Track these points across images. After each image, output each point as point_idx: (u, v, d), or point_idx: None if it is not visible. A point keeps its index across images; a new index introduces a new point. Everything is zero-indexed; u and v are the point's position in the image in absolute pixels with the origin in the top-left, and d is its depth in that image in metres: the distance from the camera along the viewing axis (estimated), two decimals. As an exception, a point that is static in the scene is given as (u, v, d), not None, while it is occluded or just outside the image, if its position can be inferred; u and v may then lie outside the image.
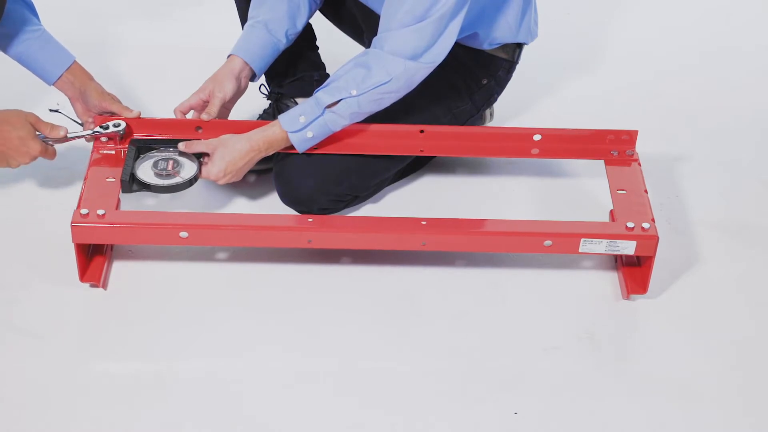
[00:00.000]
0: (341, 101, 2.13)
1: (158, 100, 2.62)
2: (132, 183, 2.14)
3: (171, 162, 2.17)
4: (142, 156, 2.20)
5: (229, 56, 2.28)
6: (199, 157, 2.18)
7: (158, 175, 2.16)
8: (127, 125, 2.21)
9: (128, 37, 2.84)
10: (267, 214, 2.28)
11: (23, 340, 2.02)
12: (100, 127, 2.19)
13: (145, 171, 2.17)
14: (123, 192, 2.13)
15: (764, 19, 3.06)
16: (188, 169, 2.17)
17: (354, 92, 2.12)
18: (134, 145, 2.19)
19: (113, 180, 2.14)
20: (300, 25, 2.32)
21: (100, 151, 2.21)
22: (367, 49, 2.15)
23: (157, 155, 2.19)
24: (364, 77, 2.11)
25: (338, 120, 2.15)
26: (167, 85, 2.69)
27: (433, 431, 1.90)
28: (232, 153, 2.15)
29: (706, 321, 2.13)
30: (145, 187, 2.15)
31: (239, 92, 2.28)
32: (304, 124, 2.15)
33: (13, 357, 2.00)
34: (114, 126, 2.19)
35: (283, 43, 2.29)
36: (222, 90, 2.24)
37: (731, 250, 2.29)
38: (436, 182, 2.43)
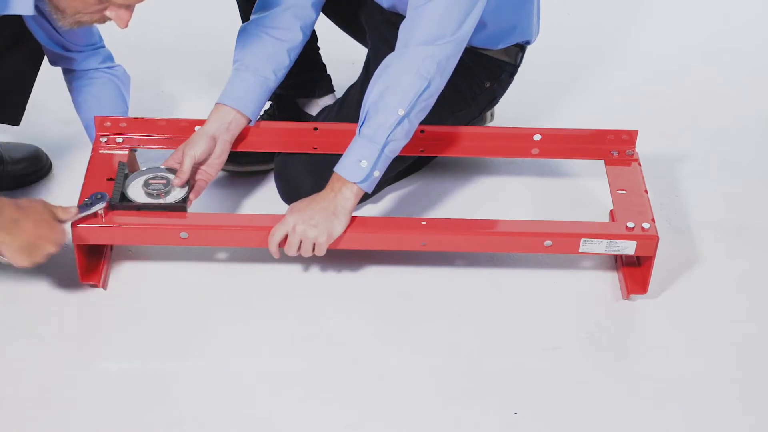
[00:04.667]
0: (396, 128, 2.04)
1: (158, 99, 2.63)
2: (122, 203, 2.10)
3: (162, 181, 2.14)
4: (132, 174, 2.15)
5: (216, 104, 2.19)
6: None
7: (149, 195, 2.12)
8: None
9: (128, 36, 2.84)
10: (267, 214, 2.28)
11: (23, 340, 2.02)
12: (85, 204, 2.05)
13: (135, 190, 2.12)
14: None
15: (764, 19, 3.06)
16: (179, 189, 2.14)
17: (401, 112, 2.03)
18: (123, 170, 2.14)
19: (113, 180, 2.13)
20: (289, 61, 2.23)
21: (100, 152, 2.21)
22: (387, 66, 2.06)
23: (147, 174, 2.15)
24: (402, 93, 2.03)
25: (397, 145, 2.06)
26: (167, 85, 2.69)
27: (433, 431, 1.90)
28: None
29: (706, 321, 2.13)
30: (136, 208, 2.10)
31: (220, 150, 2.17)
32: (369, 167, 2.04)
33: (13, 357, 2.00)
34: (96, 198, 2.07)
35: (272, 80, 2.21)
36: (192, 149, 2.14)
37: (731, 250, 2.29)
38: (436, 182, 2.43)
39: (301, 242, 2.05)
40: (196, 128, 2.20)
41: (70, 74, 2.27)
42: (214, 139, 2.17)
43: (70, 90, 2.29)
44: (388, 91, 2.04)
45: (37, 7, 1.93)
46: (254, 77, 2.19)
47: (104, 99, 2.25)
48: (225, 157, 2.20)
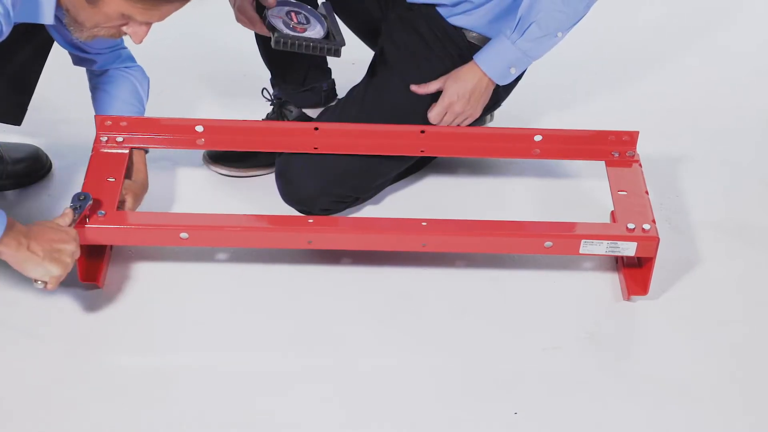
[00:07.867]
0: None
1: (158, 99, 2.62)
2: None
3: (301, 16, 2.14)
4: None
5: None
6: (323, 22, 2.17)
7: (286, 25, 2.13)
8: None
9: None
10: (267, 214, 2.28)
11: (23, 340, 2.02)
12: (74, 207, 2.02)
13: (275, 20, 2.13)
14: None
15: (764, 19, 3.06)
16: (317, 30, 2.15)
17: (560, 35, 2.19)
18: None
19: (113, 180, 2.14)
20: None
21: (101, 151, 2.21)
22: None
23: (287, 6, 2.17)
24: (565, 19, 2.17)
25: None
26: (167, 85, 2.69)
27: (433, 431, 1.90)
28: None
29: (706, 322, 2.13)
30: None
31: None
32: (515, 74, 2.25)
33: (13, 357, 2.00)
34: (79, 199, 2.05)
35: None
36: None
37: (731, 250, 2.29)
38: (437, 183, 2.44)
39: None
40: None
41: (90, 73, 2.29)
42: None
43: (90, 88, 2.30)
44: (554, 13, 2.16)
45: (55, 17, 1.93)
46: None
47: (120, 96, 2.26)
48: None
